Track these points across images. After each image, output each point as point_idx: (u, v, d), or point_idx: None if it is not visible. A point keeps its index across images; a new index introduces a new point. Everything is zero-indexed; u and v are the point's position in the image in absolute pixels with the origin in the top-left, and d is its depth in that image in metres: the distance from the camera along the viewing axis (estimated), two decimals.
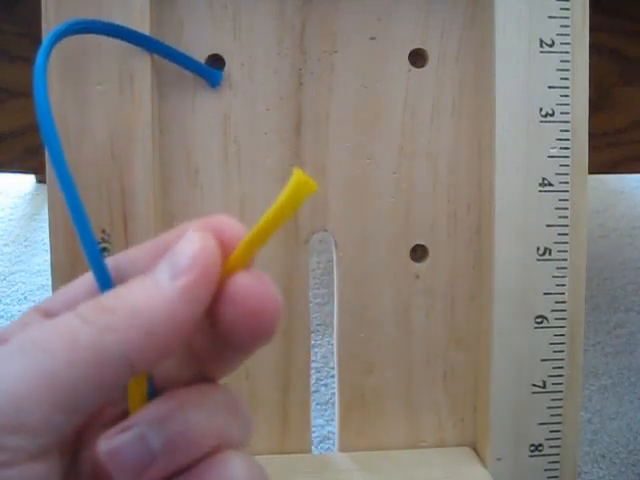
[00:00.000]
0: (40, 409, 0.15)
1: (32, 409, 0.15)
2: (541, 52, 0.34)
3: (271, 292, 0.18)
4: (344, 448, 0.38)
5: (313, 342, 0.83)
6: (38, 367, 0.15)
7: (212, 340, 0.19)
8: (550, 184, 0.35)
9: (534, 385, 0.35)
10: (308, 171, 0.36)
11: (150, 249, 0.19)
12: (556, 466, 0.36)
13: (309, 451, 0.38)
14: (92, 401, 0.16)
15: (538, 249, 0.35)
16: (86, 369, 0.15)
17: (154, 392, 0.19)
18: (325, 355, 0.85)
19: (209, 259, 0.17)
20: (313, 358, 0.80)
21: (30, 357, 0.15)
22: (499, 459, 0.36)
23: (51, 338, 0.16)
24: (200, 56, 0.34)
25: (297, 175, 0.17)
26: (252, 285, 0.18)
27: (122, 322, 0.16)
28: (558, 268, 0.35)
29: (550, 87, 0.34)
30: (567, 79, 0.34)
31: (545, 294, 0.35)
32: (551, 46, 0.34)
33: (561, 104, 0.34)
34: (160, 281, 0.17)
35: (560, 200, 0.35)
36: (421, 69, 0.36)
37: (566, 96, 0.34)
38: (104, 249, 0.33)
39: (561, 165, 0.35)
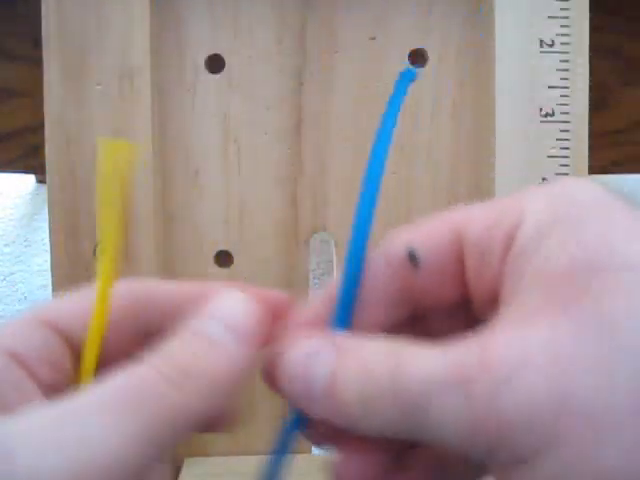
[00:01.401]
0: (130, 465, 0.16)
1: (127, 466, 0.16)
2: (541, 52, 0.34)
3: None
4: None
5: None
6: (126, 428, 0.16)
7: None
8: None
9: None
10: (308, 171, 0.36)
11: (190, 292, 0.21)
12: None
13: (309, 451, 0.38)
14: (161, 452, 0.17)
15: None
16: (172, 430, 0.17)
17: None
18: None
19: (264, 328, 0.19)
20: None
21: (119, 417, 0.16)
22: None
23: (140, 399, 0.16)
24: (200, 56, 0.34)
25: (104, 145, 0.18)
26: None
27: (205, 389, 0.17)
28: None
29: (550, 87, 0.34)
30: (567, 79, 0.34)
31: None
32: (551, 46, 0.34)
33: (561, 104, 0.34)
34: (230, 348, 0.18)
35: None
36: (421, 69, 0.36)
37: (566, 96, 0.34)
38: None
39: (561, 165, 0.35)
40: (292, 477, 0.36)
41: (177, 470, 0.36)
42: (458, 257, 0.19)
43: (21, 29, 0.59)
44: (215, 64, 0.35)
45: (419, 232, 0.20)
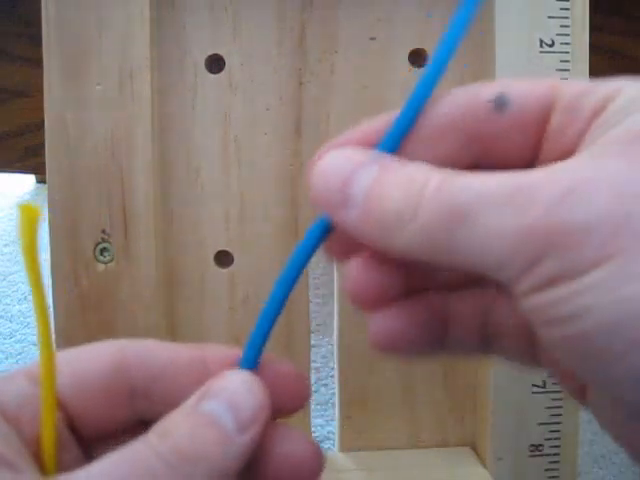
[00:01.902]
0: None
1: None
2: (541, 52, 0.34)
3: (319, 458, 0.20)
4: (344, 448, 0.38)
5: (313, 342, 0.83)
6: None
7: None
8: None
9: (534, 385, 0.35)
10: (308, 171, 0.36)
11: (186, 358, 0.21)
12: (556, 466, 0.36)
13: None
14: None
15: None
16: None
17: None
18: (325, 355, 0.85)
19: (267, 411, 0.19)
20: (313, 358, 0.80)
21: None
22: (499, 459, 0.36)
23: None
24: (200, 56, 0.34)
25: (21, 210, 0.18)
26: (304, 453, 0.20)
27: (202, 476, 0.17)
28: None
29: None
30: (567, 79, 0.34)
31: None
32: (551, 46, 0.34)
33: None
34: (229, 434, 0.18)
35: None
36: (421, 69, 0.36)
37: None
38: (104, 249, 0.33)
39: None
40: None
41: None
42: (545, 114, 0.18)
43: (21, 29, 0.59)
44: (215, 64, 0.35)
45: (513, 82, 0.19)
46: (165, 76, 0.34)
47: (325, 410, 0.77)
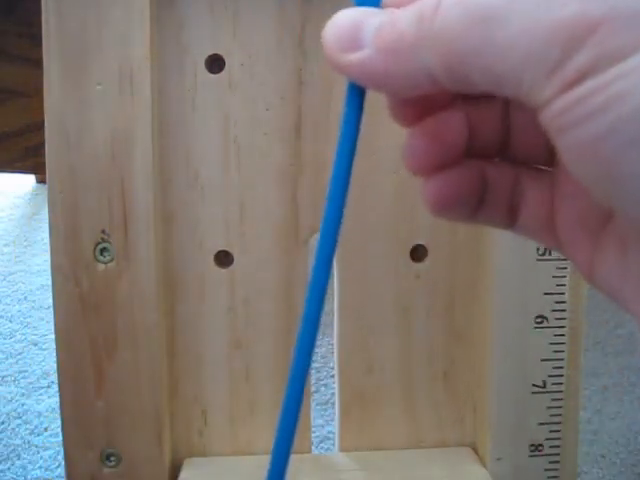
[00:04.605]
0: None
1: None
2: None
3: None
4: (344, 448, 0.38)
5: None
6: None
7: None
8: None
9: (534, 385, 0.35)
10: (308, 171, 0.36)
11: None
12: (556, 466, 0.36)
13: (309, 451, 0.38)
14: None
15: (538, 249, 0.35)
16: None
17: None
18: (325, 355, 0.85)
19: None
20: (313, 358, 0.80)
21: None
22: (499, 459, 0.36)
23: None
24: (200, 56, 0.34)
25: None
26: None
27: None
28: (558, 268, 0.35)
29: None
30: None
31: (545, 294, 0.35)
32: None
33: None
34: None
35: None
36: None
37: None
38: (104, 249, 0.33)
39: None
40: (292, 477, 0.36)
41: (177, 470, 0.36)
42: None
43: (21, 29, 0.59)
44: (215, 64, 0.35)
45: None
46: (165, 76, 0.34)
47: (325, 410, 0.77)
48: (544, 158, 0.21)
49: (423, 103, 0.21)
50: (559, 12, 0.15)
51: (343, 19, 0.18)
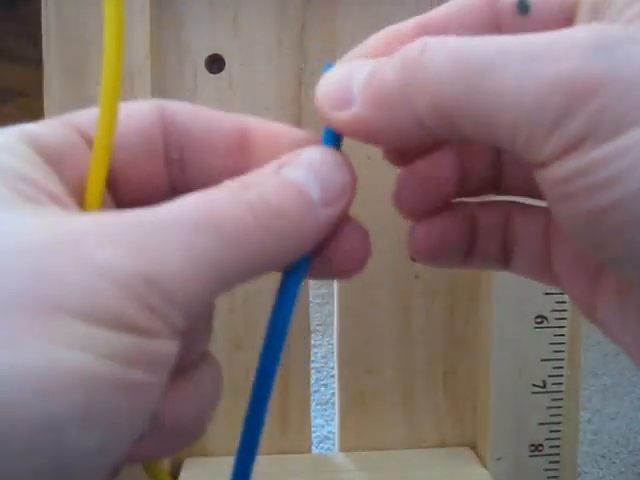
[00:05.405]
0: (198, 290, 0.14)
1: (194, 289, 0.14)
2: None
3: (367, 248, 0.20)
4: (344, 448, 0.38)
5: (313, 342, 0.83)
6: (203, 249, 0.14)
7: None
8: None
9: (534, 385, 0.35)
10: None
11: (228, 128, 0.19)
12: (556, 466, 0.36)
13: (309, 451, 0.38)
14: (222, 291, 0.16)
15: None
16: (244, 262, 0.15)
17: None
18: (325, 355, 0.85)
19: (353, 191, 0.18)
20: (313, 358, 0.80)
21: (196, 238, 0.14)
22: (499, 459, 0.36)
23: (220, 222, 0.15)
24: (200, 56, 0.34)
25: None
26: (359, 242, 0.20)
27: (289, 233, 0.16)
28: None
29: None
30: None
31: (545, 294, 0.35)
32: None
33: None
34: (313, 205, 0.17)
35: None
36: None
37: None
38: None
39: None
40: (292, 477, 0.36)
41: (177, 470, 0.36)
42: (568, 15, 0.17)
43: (21, 29, 0.59)
44: (215, 64, 0.35)
45: None
46: (165, 76, 0.34)
47: (325, 410, 0.77)
48: (539, 191, 0.21)
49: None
50: (558, 67, 0.14)
51: (333, 76, 0.18)
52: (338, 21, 0.35)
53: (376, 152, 0.36)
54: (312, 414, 0.37)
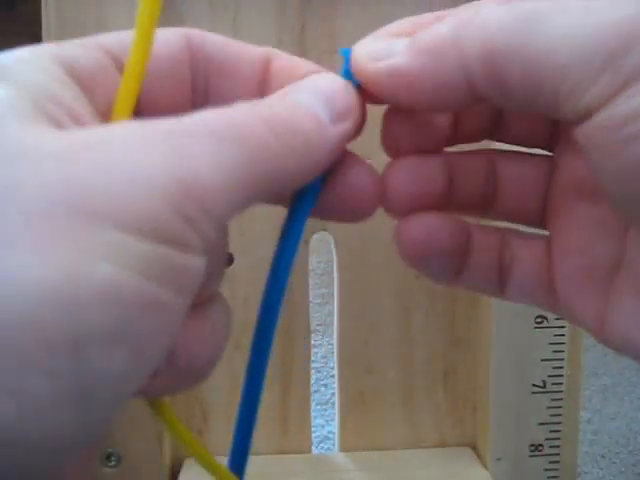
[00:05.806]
0: (230, 201, 0.14)
1: (226, 200, 0.14)
2: None
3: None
4: (344, 448, 0.38)
5: (313, 342, 0.83)
6: (230, 159, 0.14)
7: None
8: None
9: (534, 385, 0.35)
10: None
11: (253, 57, 0.19)
12: (556, 466, 0.36)
13: (309, 451, 0.38)
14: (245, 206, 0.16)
15: None
16: (265, 176, 0.15)
17: None
18: (325, 355, 0.85)
19: (360, 114, 0.18)
20: (313, 358, 0.80)
21: (223, 148, 0.14)
22: (499, 459, 0.36)
23: (242, 134, 0.14)
24: None
25: None
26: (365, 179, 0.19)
27: (303, 149, 0.16)
28: None
29: None
30: None
31: None
32: None
33: None
34: (323, 122, 0.17)
35: None
36: None
37: None
38: None
39: None
40: (292, 477, 0.36)
41: (177, 470, 0.36)
42: None
43: (21, 29, 0.59)
44: None
45: None
46: None
47: (325, 410, 0.77)
48: (536, 213, 0.20)
49: (417, 139, 0.20)
50: (610, 14, 0.14)
51: (371, 39, 0.19)
52: (338, 21, 0.35)
53: (376, 152, 0.36)
54: (312, 414, 0.37)
